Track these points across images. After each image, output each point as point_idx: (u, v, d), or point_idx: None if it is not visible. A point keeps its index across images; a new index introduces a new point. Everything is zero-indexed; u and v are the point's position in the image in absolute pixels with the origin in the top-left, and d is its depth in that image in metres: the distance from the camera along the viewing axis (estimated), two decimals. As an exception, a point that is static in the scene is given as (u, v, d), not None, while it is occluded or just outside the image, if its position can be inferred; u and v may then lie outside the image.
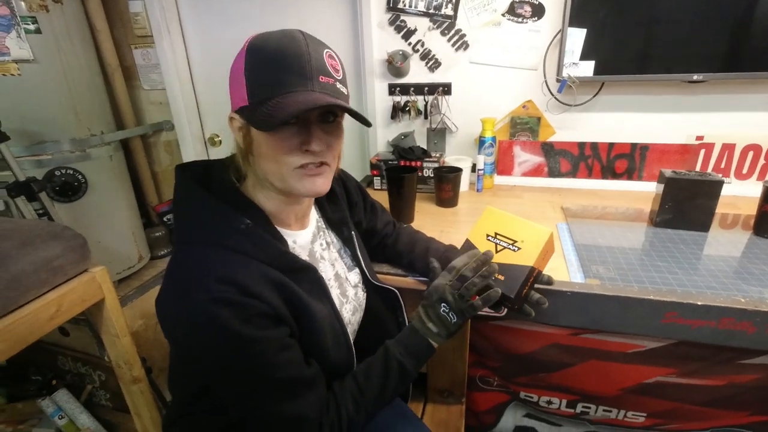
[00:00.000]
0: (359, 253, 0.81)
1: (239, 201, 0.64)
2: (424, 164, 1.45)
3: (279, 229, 0.67)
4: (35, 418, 1.36)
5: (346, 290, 0.77)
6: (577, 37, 1.30)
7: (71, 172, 1.45)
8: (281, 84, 0.55)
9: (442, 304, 0.69)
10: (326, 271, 0.74)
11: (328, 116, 0.61)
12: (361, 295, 0.81)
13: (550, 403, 1.01)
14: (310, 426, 0.61)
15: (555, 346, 0.94)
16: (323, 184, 0.62)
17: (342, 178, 0.86)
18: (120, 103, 1.81)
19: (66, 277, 1.01)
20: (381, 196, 1.37)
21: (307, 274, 0.66)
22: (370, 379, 0.68)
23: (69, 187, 1.43)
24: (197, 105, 1.93)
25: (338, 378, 0.69)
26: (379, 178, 1.54)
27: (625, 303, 0.81)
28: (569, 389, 0.98)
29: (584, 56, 1.32)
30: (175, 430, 0.77)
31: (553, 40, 1.39)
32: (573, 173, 1.54)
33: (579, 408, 1.00)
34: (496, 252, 0.73)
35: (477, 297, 0.69)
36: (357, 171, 1.81)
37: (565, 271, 0.95)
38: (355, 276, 0.81)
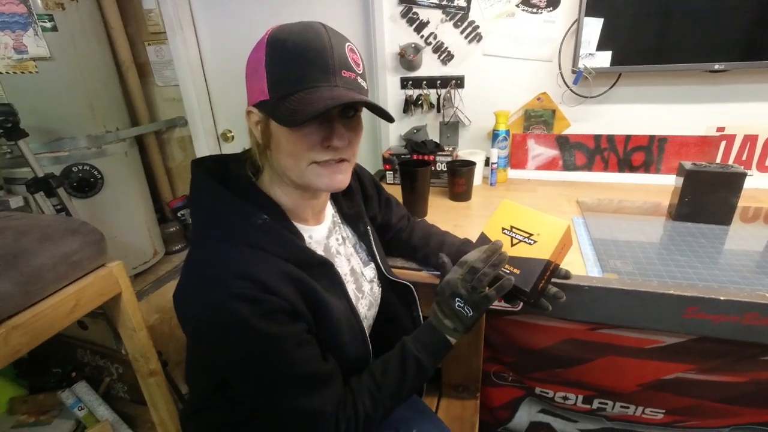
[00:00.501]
0: (375, 248, 0.80)
1: (256, 196, 0.64)
2: (437, 158, 1.44)
3: (295, 224, 0.67)
4: (56, 409, 1.40)
5: (361, 285, 0.77)
6: (593, 26, 1.27)
7: (88, 168, 1.47)
8: (304, 79, 0.54)
9: (456, 299, 0.68)
10: (342, 266, 0.74)
11: (349, 111, 0.60)
12: (377, 290, 0.81)
13: (566, 398, 1.00)
14: (327, 421, 0.61)
15: (571, 342, 0.93)
16: (343, 179, 0.62)
17: (357, 172, 0.85)
18: (134, 100, 1.83)
19: (84, 271, 1.03)
20: (393, 191, 1.36)
21: (323, 269, 0.66)
22: (387, 375, 0.67)
23: (86, 182, 1.45)
24: (210, 101, 1.94)
25: (355, 373, 0.69)
26: (391, 172, 1.53)
27: (644, 298, 0.79)
28: (586, 385, 0.97)
29: (601, 46, 1.29)
30: (193, 424, 0.78)
31: (568, 30, 1.37)
32: (588, 166, 1.51)
33: (596, 404, 0.98)
34: (512, 246, 0.72)
35: (490, 288, 0.68)
36: (369, 165, 1.80)
37: (581, 265, 0.94)
38: (370, 271, 0.81)
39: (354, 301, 0.71)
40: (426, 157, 1.45)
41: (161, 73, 1.86)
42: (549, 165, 1.55)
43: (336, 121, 0.58)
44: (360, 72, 0.59)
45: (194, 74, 1.84)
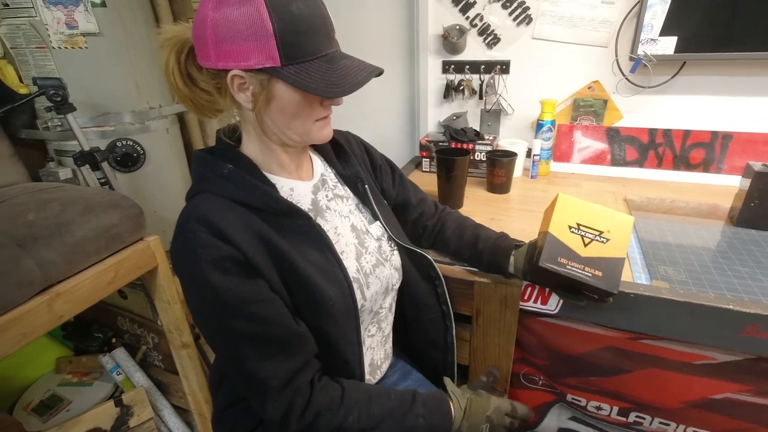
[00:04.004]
0: (376, 208, 0.79)
1: (226, 151, 0.67)
2: (477, 147, 1.38)
3: (271, 175, 0.68)
4: (97, 372, 1.47)
5: (364, 241, 0.75)
6: (658, 8, 1.16)
7: (131, 143, 1.50)
8: (317, 46, 0.58)
9: (486, 423, 0.73)
10: (334, 221, 0.73)
11: None
12: (387, 249, 0.79)
13: (599, 408, 0.95)
14: (271, 395, 0.59)
15: (610, 350, 0.87)
16: (331, 130, 0.69)
17: (364, 144, 0.88)
18: (177, 77, 1.85)
19: (123, 244, 1.06)
20: (429, 179, 1.32)
21: (298, 219, 0.65)
22: (382, 407, 0.67)
23: (129, 157, 1.49)
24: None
25: (350, 326, 0.68)
26: (428, 160, 1.49)
27: (698, 311, 0.73)
28: (623, 396, 0.91)
29: (665, 31, 1.18)
30: (224, 389, 0.79)
31: (629, 13, 1.26)
32: (640, 162, 1.41)
33: (632, 417, 0.93)
34: (585, 245, 0.68)
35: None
36: (405, 151, 1.76)
37: (627, 269, 0.88)
38: (377, 229, 0.79)
39: (354, 255, 0.72)
40: (465, 146, 1.39)
41: (204, 51, 1.88)
42: (596, 159, 1.46)
43: None
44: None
45: (235, 53, 1.84)
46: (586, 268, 0.66)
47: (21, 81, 1.40)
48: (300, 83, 0.56)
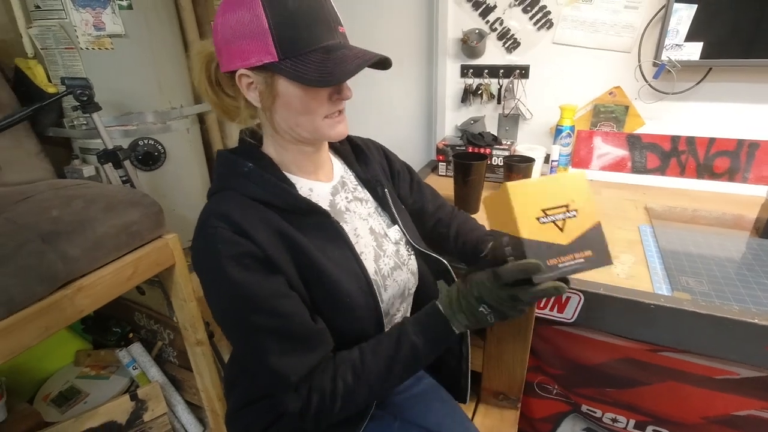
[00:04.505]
0: (395, 212, 0.78)
1: (248, 151, 0.69)
2: (494, 152, 1.37)
3: (291, 174, 0.68)
4: (114, 365, 1.50)
5: (382, 244, 0.75)
6: (684, 14, 1.14)
7: (152, 142, 1.54)
8: (315, 38, 0.57)
9: (482, 305, 0.59)
10: (353, 222, 0.73)
11: None
12: (405, 253, 0.78)
13: (615, 420, 0.93)
14: (289, 389, 0.59)
15: (628, 361, 0.85)
16: (346, 127, 0.67)
17: (383, 149, 0.89)
18: (198, 79, 1.89)
19: (142, 241, 1.08)
20: (445, 183, 1.32)
21: (318, 218, 0.66)
22: (377, 354, 0.63)
23: (150, 156, 1.52)
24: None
25: (368, 324, 0.67)
26: (444, 164, 1.48)
27: (721, 324, 0.71)
28: (640, 409, 0.89)
29: (691, 36, 1.15)
30: (237, 389, 0.79)
31: (653, 17, 1.23)
32: (662, 170, 1.38)
33: (649, 431, 0.90)
34: (562, 231, 0.57)
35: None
36: (421, 154, 1.76)
37: (647, 279, 0.86)
38: (395, 233, 0.78)
39: (372, 257, 0.71)
40: (482, 150, 1.38)
41: (225, 53, 1.91)
42: (615, 166, 1.43)
43: None
44: (342, 23, 0.62)
45: (255, 55, 1.86)
46: (576, 256, 0.57)
47: (49, 81, 1.44)
48: (295, 75, 0.57)
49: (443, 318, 0.62)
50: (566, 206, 0.58)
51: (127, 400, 1.30)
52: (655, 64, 1.23)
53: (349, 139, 0.83)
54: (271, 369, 0.59)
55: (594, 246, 0.57)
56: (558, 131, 1.35)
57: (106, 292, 0.99)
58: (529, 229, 0.57)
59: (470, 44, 1.45)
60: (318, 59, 0.56)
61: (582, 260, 0.57)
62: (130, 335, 1.57)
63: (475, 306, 0.59)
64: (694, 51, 1.16)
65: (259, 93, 0.61)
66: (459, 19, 1.47)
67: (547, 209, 0.58)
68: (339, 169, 0.78)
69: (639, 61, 1.29)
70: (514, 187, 0.57)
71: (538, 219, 0.57)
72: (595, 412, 0.95)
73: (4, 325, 0.80)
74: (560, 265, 0.57)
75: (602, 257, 0.57)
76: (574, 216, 0.58)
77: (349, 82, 0.62)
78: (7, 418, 1.21)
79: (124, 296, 1.46)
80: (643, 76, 1.30)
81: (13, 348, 0.82)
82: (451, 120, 1.62)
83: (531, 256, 0.56)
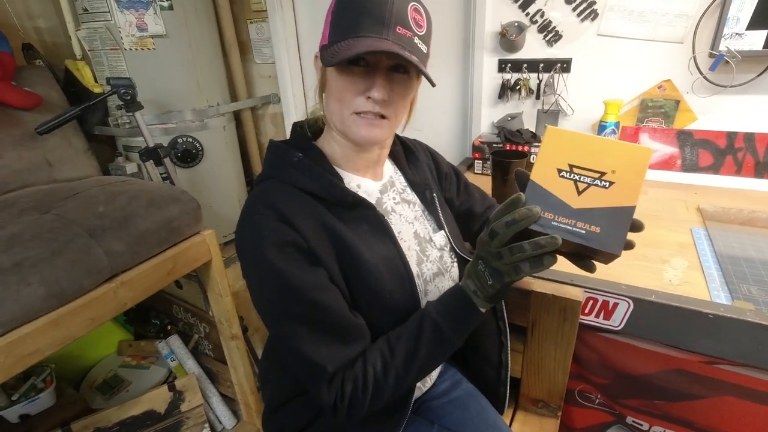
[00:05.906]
0: (442, 217, 0.76)
1: (298, 141, 0.69)
2: (532, 149, 1.33)
3: (340, 169, 0.68)
4: (153, 356, 1.56)
5: (426, 249, 0.73)
6: None
7: (191, 140, 1.57)
8: (357, 27, 0.56)
9: (479, 261, 0.57)
10: (398, 225, 0.71)
11: (399, 69, 0.60)
12: (449, 260, 0.75)
13: (664, 434, 0.88)
14: (325, 379, 0.58)
15: (680, 373, 0.80)
16: (380, 134, 0.62)
17: (430, 151, 0.88)
18: (234, 77, 1.92)
19: (181, 237, 1.11)
20: (481, 181, 1.28)
21: (363, 211, 0.65)
22: (402, 339, 0.62)
23: (188, 154, 1.56)
24: (302, 79, 1.98)
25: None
26: (480, 161, 1.44)
27: (790, 338, 0.65)
28: (692, 424, 0.83)
29: (753, 24, 1.07)
30: (270, 387, 0.80)
31: (711, 5, 1.15)
32: (715, 168, 1.29)
33: (701, 447, 0.85)
34: (579, 194, 0.51)
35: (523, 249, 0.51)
36: (456, 151, 1.72)
37: (703, 286, 0.80)
38: (440, 238, 0.76)
39: (415, 261, 0.69)
40: (520, 148, 1.34)
41: (260, 50, 1.93)
42: (664, 164, 1.35)
43: (381, 74, 0.59)
44: (420, 33, 0.59)
45: (290, 52, 1.87)
46: (578, 224, 0.50)
47: (96, 81, 1.50)
48: (322, 55, 0.59)
49: (460, 289, 0.62)
50: (601, 174, 0.51)
51: (165, 391, 1.34)
52: (711, 55, 1.15)
53: (400, 140, 0.81)
54: (307, 358, 0.58)
55: (607, 226, 0.50)
56: (601, 127, 1.29)
57: (148, 285, 1.02)
58: (543, 175, 0.52)
59: (509, 38, 1.40)
60: (345, 44, 0.56)
61: (582, 231, 0.50)
62: (169, 327, 1.62)
63: (475, 264, 0.58)
64: (757, 40, 1.08)
65: (320, 74, 0.65)
66: (497, 12, 1.43)
67: (576, 166, 0.52)
68: (389, 169, 0.77)
69: (693, 53, 1.21)
70: (554, 131, 0.53)
71: (559, 170, 0.52)
72: (641, 425, 0.90)
73: (55, 317, 0.83)
74: (554, 222, 0.51)
75: (610, 242, 0.49)
76: (605, 187, 0.50)
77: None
78: (56, 404, 1.27)
79: (163, 289, 1.51)
80: (698, 68, 1.22)
81: (64, 338, 0.85)
82: (487, 116, 1.58)
83: (530, 200, 0.51)
